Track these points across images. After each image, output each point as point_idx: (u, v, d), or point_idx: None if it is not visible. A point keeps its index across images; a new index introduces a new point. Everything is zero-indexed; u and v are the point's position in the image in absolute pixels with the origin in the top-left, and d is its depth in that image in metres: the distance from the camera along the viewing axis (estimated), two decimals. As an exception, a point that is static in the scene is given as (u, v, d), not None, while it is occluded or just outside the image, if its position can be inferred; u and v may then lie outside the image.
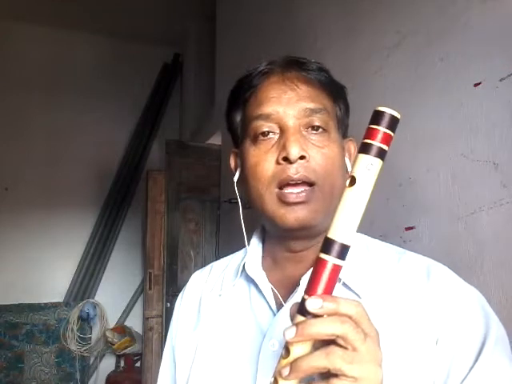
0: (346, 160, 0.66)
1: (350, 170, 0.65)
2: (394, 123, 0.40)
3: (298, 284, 0.59)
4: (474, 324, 0.54)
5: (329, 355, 0.38)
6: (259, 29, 2.27)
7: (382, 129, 0.39)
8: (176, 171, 3.07)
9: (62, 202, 3.74)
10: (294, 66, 0.63)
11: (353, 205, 0.40)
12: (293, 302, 0.58)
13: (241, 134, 0.66)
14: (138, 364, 3.68)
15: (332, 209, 0.62)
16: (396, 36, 1.24)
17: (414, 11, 1.18)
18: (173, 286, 2.96)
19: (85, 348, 3.61)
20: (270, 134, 0.61)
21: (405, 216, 1.16)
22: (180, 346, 0.69)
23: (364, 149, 0.40)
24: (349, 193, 0.40)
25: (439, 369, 0.52)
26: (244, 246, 0.70)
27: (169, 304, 2.92)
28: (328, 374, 0.38)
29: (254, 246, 0.69)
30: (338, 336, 0.38)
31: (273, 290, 0.62)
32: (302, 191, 0.58)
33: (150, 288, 3.46)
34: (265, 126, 0.61)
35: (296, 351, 0.39)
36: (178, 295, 0.76)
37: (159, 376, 0.72)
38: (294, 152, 0.57)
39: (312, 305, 0.39)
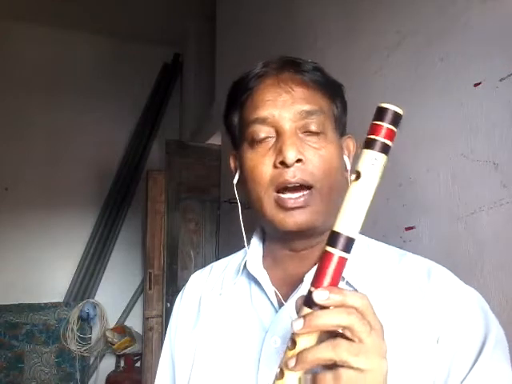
0: (345, 158, 0.66)
1: (349, 167, 0.65)
2: (397, 119, 0.41)
3: (301, 281, 0.60)
4: (475, 324, 0.54)
5: (335, 347, 0.38)
6: (259, 29, 2.27)
7: (385, 124, 0.40)
8: (176, 171, 3.06)
9: (62, 202, 3.74)
10: (289, 68, 0.63)
11: (358, 199, 0.41)
12: (295, 299, 0.59)
13: (239, 137, 0.66)
14: (138, 364, 3.68)
15: (332, 209, 0.62)
16: (396, 36, 1.24)
17: (414, 11, 1.18)
18: (173, 286, 2.96)
19: (85, 348, 3.61)
20: (267, 137, 0.61)
21: (405, 216, 1.16)
22: (179, 345, 0.69)
23: (368, 144, 0.41)
24: (354, 187, 0.41)
25: (440, 368, 0.52)
26: (244, 247, 0.70)
27: (169, 304, 2.92)
28: (333, 366, 0.39)
29: (255, 247, 0.69)
30: (344, 327, 0.39)
31: (274, 288, 0.62)
32: (300, 196, 0.59)
33: (149, 288, 3.46)
34: (261, 130, 0.61)
35: (302, 343, 0.40)
36: (177, 295, 0.76)
37: (157, 376, 0.72)
38: (290, 156, 0.57)
39: (319, 296, 0.39)
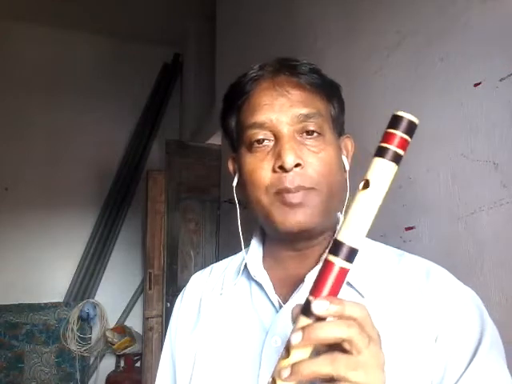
0: (344, 158, 0.65)
1: (347, 167, 0.65)
2: (411, 128, 0.39)
3: (302, 281, 0.60)
4: (471, 323, 0.54)
5: (333, 362, 0.37)
6: (259, 29, 2.27)
7: (399, 133, 0.39)
8: (176, 171, 3.06)
9: (62, 202, 3.74)
10: (285, 71, 0.62)
11: (364, 208, 0.40)
12: (296, 298, 0.59)
13: (236, 141, 0.66)
14: (138, 364, 3.68)
15: (331, 209, 0.62)
16: (396, 36, 1.24)
17: (414, 11, 1.18)
18: (173, 286, 2.96)
19: (85, 348, 3.61)
20: (265, 141, 0.60)
21: (405, 216, 1.16)
22: (180, 345, 0.69)
23: (380, 152, 0.39)
24: (361, 196, 0.40)
25: (437, 367, 0.53)
26: (244, 247, 0.70)
27: (169, 304, 2.92)
28: (330, 380, 0.38)
29: (255, 247, 0.69)
30: (343, 340, 0.38)
31: (274, 288, 0.63)
32: (299, 192, 0.58)
33: (150, 288, 3.46)
34: (259, 134, 0.60)
35: (297, 353, 0.39)
36: (178, 295, 0.76)
37: (157, 377, 0.72)
38: (289, 161, 0.57)
39: (319, 307, 0.38)
